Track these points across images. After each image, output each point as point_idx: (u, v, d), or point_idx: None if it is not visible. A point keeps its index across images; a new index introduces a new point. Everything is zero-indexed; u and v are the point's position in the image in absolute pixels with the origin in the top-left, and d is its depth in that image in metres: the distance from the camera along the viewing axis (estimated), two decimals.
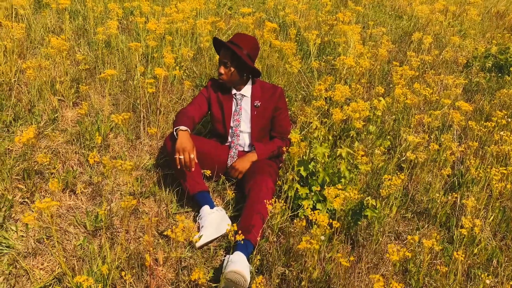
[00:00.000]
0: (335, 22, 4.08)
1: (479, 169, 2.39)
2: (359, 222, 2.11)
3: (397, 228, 2.30)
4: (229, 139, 2.49)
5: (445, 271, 1.80)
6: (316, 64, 3.17)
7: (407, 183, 2.63)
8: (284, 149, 2.09)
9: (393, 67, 3.47)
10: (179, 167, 2.13)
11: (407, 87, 2.84)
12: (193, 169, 2.13)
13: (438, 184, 2.51)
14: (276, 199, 1.94)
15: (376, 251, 2.06)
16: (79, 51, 3.65)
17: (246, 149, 2.48)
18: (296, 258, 1.94)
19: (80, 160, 2.48)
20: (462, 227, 1.91)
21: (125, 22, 4.22)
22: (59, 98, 2.98)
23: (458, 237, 2.14)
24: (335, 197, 1.77)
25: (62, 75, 3.10)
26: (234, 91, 2.48)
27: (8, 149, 2.47)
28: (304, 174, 2.23)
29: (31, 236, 1.96)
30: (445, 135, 2.55)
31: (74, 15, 4.28)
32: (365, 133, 2.82)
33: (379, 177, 2.52)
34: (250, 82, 2.51)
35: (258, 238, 1.88)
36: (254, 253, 1.94)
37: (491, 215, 2.30)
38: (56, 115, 2.80)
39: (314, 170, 2.21)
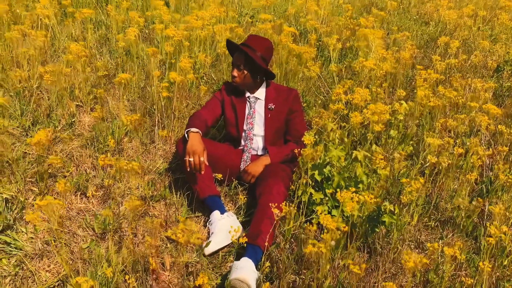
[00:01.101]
0: (357, 27, 3.98)
1: (508, 174, 2.22)
2: (377, 229, 1.99)
3: (418, 237, 2.16)
4: (242, 142, 2.43)
5: (470, 283, 1.65)
6: (334, 68, 3.09)
7: (430, 190, 2.49)
8: (296, 151, 2.00)
9: (417, 71, 3.33)
10: (188, 169, 2.08)
11: (431, 91, 2.71)
12: (203, 172, 2.08)
13: (464, 191, 2.35)
14: (288, 203, 1.85)
15: (394, 260, 1.94)
16: (101, 59, 3.70)
17: (260, 152, 2.41)
18: (308, 265, 1.84)
19: (93, 163, 2.48)
20: (489, 235, 1.76)
21: (146, 31, 4.27)
22: (77, 103, 3.01)
23: (485, 246, 1.98)
24: (349, 200, 1.66)
25: (81, 82, 3.14)
26: (247, 94, 2.43)
27: (25, 152, 2.49)
28: (318, 178, 2.14)
29: (40, 238, 1.95)
30: (471, 139, 2.40)
31: (98, 25, 4.37)
32: (386, 137, 2.70)
33: (400, 184, 2.39)
34: (264, 84, 2.45)
35: (266, 243, 1.79)
36: (264, 259, 1.85)
37: None
38: (73, 120, 2.82)
39: (329, 174, 2.12)
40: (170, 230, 1.54)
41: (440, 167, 2.48)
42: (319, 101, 3.31)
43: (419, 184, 1.91)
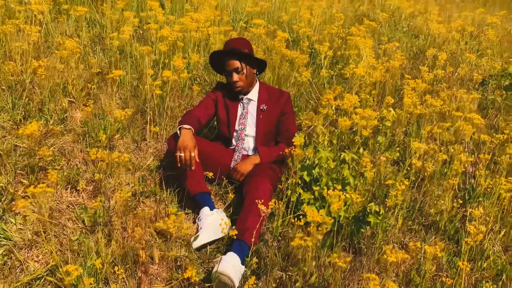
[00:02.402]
0: (348, 36, 4.07)
1: (488, 179, 2.30)
2: (362, 230, 2.04)
3: (402, 239, 2.21)
4: (234, 142, 2.47)
5: (450, 283, 1.71)
6: (325, 73, 3.16)
7: (415, 195, 2.55)
8: (287, 151, 2.05)
9: (405, 80, 3.42)
10: (179, 165, 2.11)
11: (418, 100, 2.79)
12: (193, 167, 2.11)
13: (448, 196, 2.42)
14: (276, 201, 1.90)
15: (378, 260, 1.99)
16: (94, 57, 3.72)
17: (250, 153, 2.46)
18: (294, 262, 1.88)
19: (84, 158, 2.49)
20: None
21: (140, 32, 4.30)
22: (70, 99, 3.02)
23: (465, 247, 2.05)
24: (335, 199, 1.72)
25: (74, 78, 3.15)
26: (241, 95, 2.48)
27: (16, 145, 2.49)
28: (307, 179, 2.19)
29: (29, 229, 1.96)
30: (455, 146, 2.48)
31: (92, 23, 4.38)
32: (373, 142, 2.76)
33: (386, 187, 2.46)
34: (257, 85, 2.50)
35: (253, 239, 1.82)
36: (251, 255, 1.88)
37: (503, 230, 2.21)
38: (66, 115, 2.83)
39: (318, 175, 2.17)
40: (161, 221, 1.56)
41: (425, 173, 2.56)
42: (310, 106, 3.38)
43: (404, 187, 1.97)
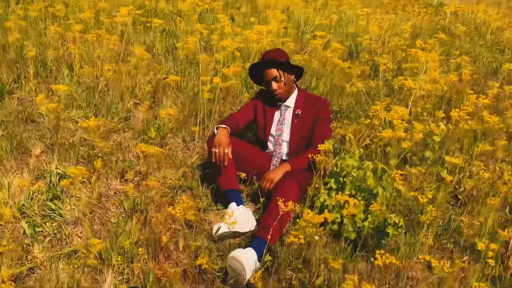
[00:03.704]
0: (410, 49, 3.95)
1: None
2: (383, 241, 2.00)
3: (429, 257, 2.11)
4: (271, 147, 2.57)
5: None
6: (373, 84, 3.11)
7: (457, 214, 2.42)
8: (310, 156, 2.09)
9: (467, 95, 3.24)
10: (213, 160, 2.26)
11: (465, 114, 2.63)
12: (226, 163, 2.24)
13: (492, 218, 2.26)
14: (299, 204, 1.95)
15: (399, 275, 1.93)
16: (165, 64, 4.07)
17: (284, 157, 2.53)
18: (308, 265, 1.91)
19: (138, 153, 2.77)
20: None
21: (210, 42, 4.61)
22: (136, 101, 3.36)
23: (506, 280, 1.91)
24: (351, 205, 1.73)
25: (143, 83, 3.50)
26: (279, 103, 2.57)
27: (84, 138, 2.85)
28: (334, 186, 2.21)
29: (79, 209, 2.24)
30: (504, 165, 2.31)
31: (169, 35, 4.80)
32: (417, 157, 2.67)
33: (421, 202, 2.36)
34: (295, 92, 2.58)
35: (269, 236, 1.89)
36: (266, 253, 1.95)
37: None
38: (129, 114, 3.16)
39: (344, 183, 2.17)
40: (172, 207, 1.72)
41: (473, 192, 2.42)
42: (362, 118, 3.35)
43: (426, 199, 1.90)
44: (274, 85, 2.48)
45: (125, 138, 2.91)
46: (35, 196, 2.28)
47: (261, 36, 4.01)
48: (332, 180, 2.21)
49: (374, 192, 2.15)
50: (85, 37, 3.90)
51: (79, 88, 3.39)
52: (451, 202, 2.61)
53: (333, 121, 3.14)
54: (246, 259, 1.79)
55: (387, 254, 1.43)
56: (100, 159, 2.21)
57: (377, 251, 1.46)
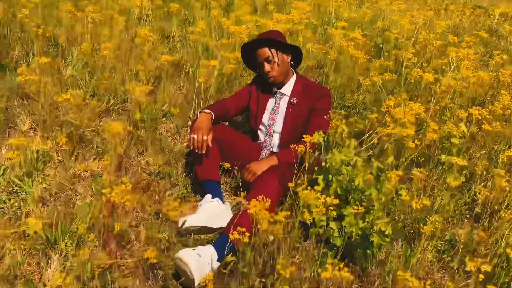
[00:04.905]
0: (438, 42, 3.57)
1: None
2: (368, 251, 1.71)
3: (430, 275, 1.80)
4: (262, 138, 2.33)
5: None
6: (388, 76, 2.78)
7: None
8: (292, 146, 1.83)
9: (500, 96, 2.85)
10: (191, 147, 2.05)
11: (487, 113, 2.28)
12: (203, 151, 2.03)
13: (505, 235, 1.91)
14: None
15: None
16: (179, 51, 3.93)
17: (275, 149, 2.28)
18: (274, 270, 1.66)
19: (126, 135, 2.62)
20: None
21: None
22: (139, 84, 3.23)
23: None
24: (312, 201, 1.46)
25: (147, 66, 3.35)
26: (275, 89, 2.33)
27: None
28: (322, 184, 1.93)
29: (47, 188, 2.10)
30: None
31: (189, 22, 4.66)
32: (435, 161, 2.34)
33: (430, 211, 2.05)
34: (293, 78, 2.32)
35: (231, 235, 1.65)
36: (228, 252, 1.72)
37: None
38: (127, 97, 3.02)
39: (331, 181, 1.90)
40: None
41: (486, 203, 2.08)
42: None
43: (420, 205, 1.60)
44: (267, 66, 2.23)
45: (117, 120, 2.77)
46: (7, 171, 2.17)
47: (277, 24, 3.78)
48: (321, 177, 1.94)
49: (366, 193, 1.86)
50: (96, 18, 3.82)
51: (85, 69, 3.31)
52: (467, 215, 2.27)
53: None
54: (194, 261, 1.56)
55: (341, 265, 1.15)
56: (78, 137, 2.06)
57: (329, 260, 1.19)
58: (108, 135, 1.96)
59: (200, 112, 2.15)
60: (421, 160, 2.36)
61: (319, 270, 1.22)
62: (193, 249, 1.65)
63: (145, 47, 3.30)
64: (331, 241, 1.85)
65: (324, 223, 1.91)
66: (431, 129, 2.29)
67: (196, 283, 1.54)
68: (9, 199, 2.03)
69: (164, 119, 2.81)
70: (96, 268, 1.52)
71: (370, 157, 2.22)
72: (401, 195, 1.87)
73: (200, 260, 1.58)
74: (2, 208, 1.98)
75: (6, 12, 3.88)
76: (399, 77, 3.18)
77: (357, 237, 1.77)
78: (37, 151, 2.36)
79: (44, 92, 2.85)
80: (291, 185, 1.74)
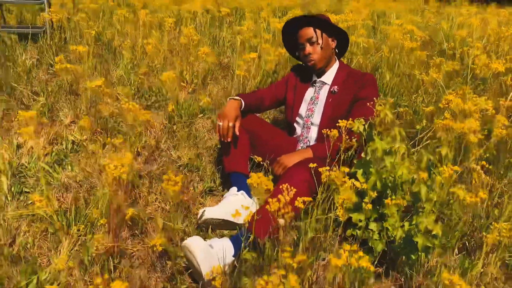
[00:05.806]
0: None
1: None
2: (413, 256, 1.43)
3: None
4: (298, 131, 2.12)
5: None
6: (451, 67, 2.44)
7: None
8: (332, 135, 1.61)
9: None
10: (217, 134, 1.90)
11: None
12: (229, 139, 1.87)
13: None
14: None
15: None
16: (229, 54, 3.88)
17: (312, 143, 2.06)
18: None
19: (163, 130, 2.55)
20: None
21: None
22: (183, 84, 3.19)
23: None
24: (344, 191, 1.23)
25: (193, 66, 3.31)
26: (314, 78, 2.12)
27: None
28: (361, 179, 1.67)
29: (75, 177, 2.06)
30: None
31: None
32: (498, 161, 2.00)
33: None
34: (336, 65, 2.10)
35: (253, 228, 1.45)
36: (245, 247, 1.52)
37: None
38: (169, 95, 2.97)
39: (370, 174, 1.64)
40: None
41: None
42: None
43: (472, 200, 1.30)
44: (309, 47, 2.03)
45: (156, 115, 2.72)
46: (38, 158, 2.17)
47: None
48: (360, 171, 1.69)
49: (414, 190, 1.58)
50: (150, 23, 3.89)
51: (132, 69, 3.34)
52: None
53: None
54: (202, 251, 1.38)
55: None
56: (120, 136, 2.03)
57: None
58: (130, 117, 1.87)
59: (229, 99, 1.99)
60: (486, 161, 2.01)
61: (330, 256, 0.97)
62: (206, 240, 1.47)
63: (191, 48, 3.27)
64: (369, 244, 1.58)
65: (363, 223, 1.66)
66: (501, 124, 1.95)
67: (204, 275, 1.35)
68: (37, 185, 2.01)
69: (201, 115, 2.71)
70: (95, 251, 1.40)
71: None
72: (458, 195, 1.56)
73: (210, 252, 1.40)
74: (28, 192, 1.95)
75: (68, 18, 4.08)
76: (464, 73, 2.83)
77: (400, 241, 1.50)
78: (73, 142, 2.37)
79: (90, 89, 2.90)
80: (323, 175, 1.51)
